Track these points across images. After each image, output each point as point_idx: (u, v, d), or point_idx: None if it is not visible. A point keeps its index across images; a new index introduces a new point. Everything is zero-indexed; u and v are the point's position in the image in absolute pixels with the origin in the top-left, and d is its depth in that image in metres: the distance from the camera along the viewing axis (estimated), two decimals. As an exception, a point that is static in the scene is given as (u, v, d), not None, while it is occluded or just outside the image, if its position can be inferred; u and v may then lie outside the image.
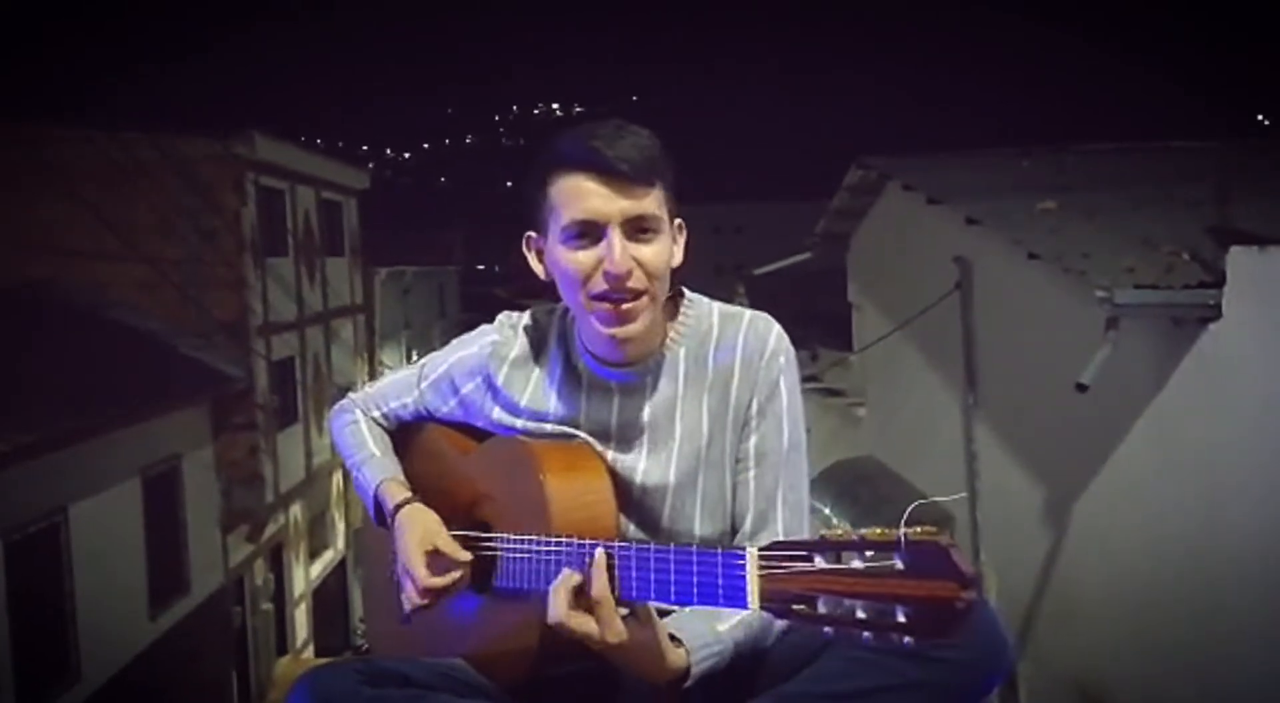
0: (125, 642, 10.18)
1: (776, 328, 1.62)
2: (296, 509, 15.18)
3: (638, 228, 1.48)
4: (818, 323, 12.43)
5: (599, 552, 1.36)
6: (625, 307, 1.48)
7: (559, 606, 1.35)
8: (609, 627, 1.33)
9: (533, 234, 1.57)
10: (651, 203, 1.49)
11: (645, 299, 1.49)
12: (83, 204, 12.29)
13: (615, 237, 1.46)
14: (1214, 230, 5.63)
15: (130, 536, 10.44)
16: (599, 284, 1.47)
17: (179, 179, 12.79)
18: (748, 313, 1.63)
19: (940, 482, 8.59)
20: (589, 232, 1.47)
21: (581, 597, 1.35)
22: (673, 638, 1.40)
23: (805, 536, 1.58)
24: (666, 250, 1.51)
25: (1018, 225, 6.70)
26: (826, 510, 9.25)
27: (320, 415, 15.85)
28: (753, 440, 1.59)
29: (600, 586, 1.34)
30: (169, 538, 11.31)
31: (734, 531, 1.60)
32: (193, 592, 11.76)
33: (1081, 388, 5.21)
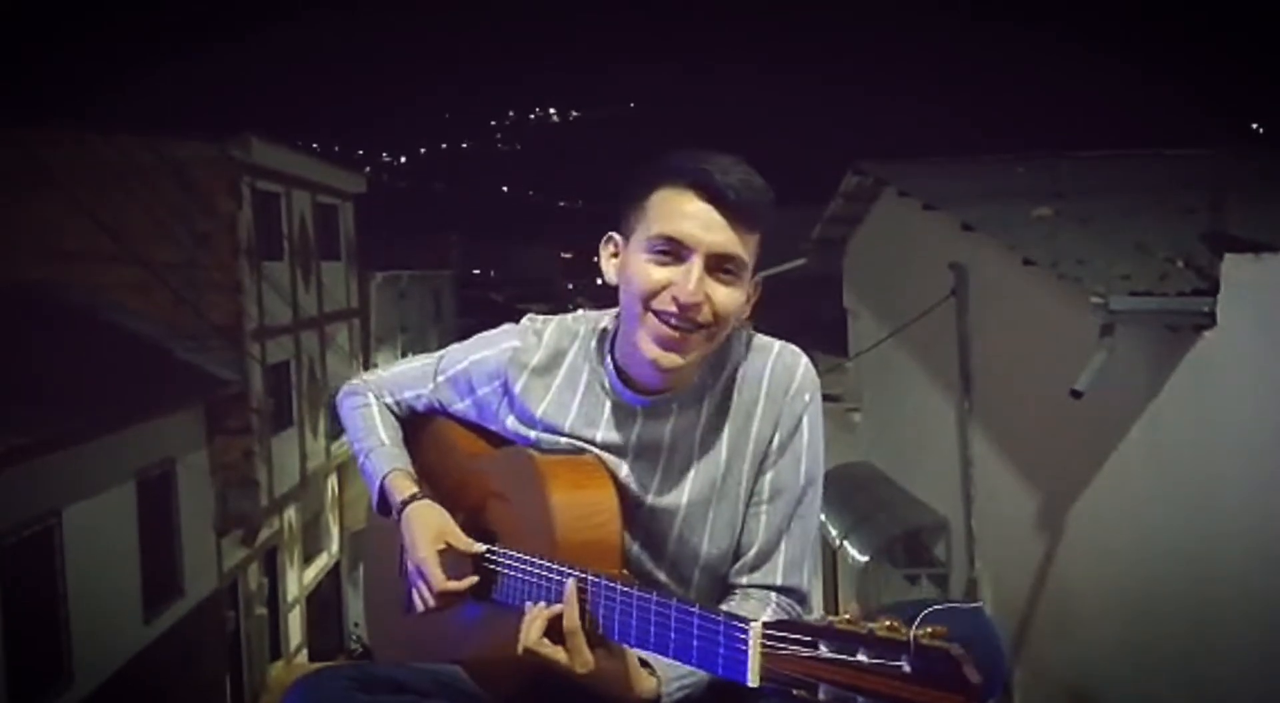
0: (119, 645, 10.15)
1: (804, 361, 1.60)
2: (291, 513, 15.14)
3: (721, 265, 1.44)
4: (813, 329, 12.43)
5: (570, 584, 1.37)
6: (682, 335, 1.44)
7: (531, 633, 1.37)
8: (578, 657, 1.35)
9: (615, 236, 1.54)
10: (745, 247, 1.46)
11: (703, 335, 1.46)
12: (78, 206, 12.27)
13: (696, 265, 1.43)
14: (1209, 237, 5.64)
15: (124, 539, 10.41)
16: (665, 303, 1.44)
17: (174, 182, 12.77)
18: (776, 345, 1.60)
19: (936, 487, 8.60)
20: (674, 250, 1.44)
21: (556, 626, 1.37)
22: (646, 664, 1.40)
23: (808, 569, 1.58)
24: (740, 298, 1.48)
25: (1013, 232, 6.72)
26: (822, 517, 9.23)
27: (315, 420, 15.83)
28: (769, 476, 1.57)
29: (571, 618, 1.35)
30: (163, 542, 11.28)
31: (736, 557, 1.59)
32: (187, 596, 11.72)
33: (1076, 394, 5.22)
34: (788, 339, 1.63)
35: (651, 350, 1.46)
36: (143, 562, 10.69)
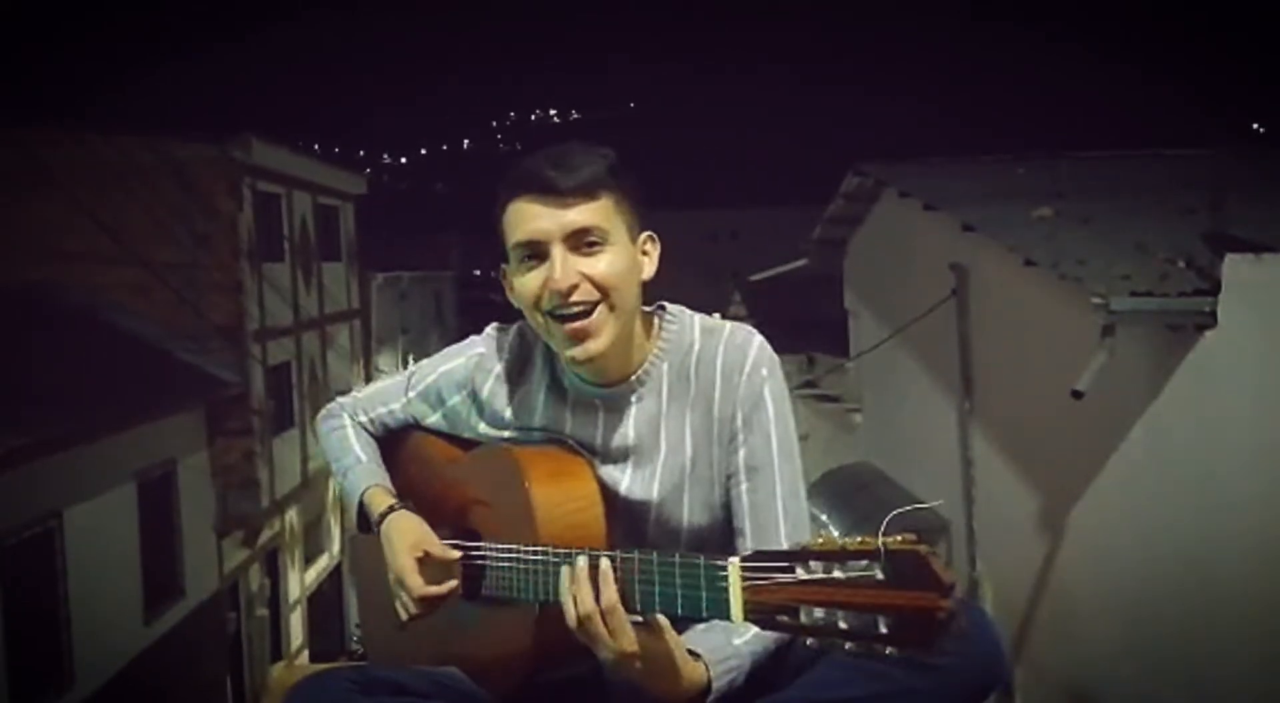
0: (119, 647, 10.15)
1: (758, 339, 1.60)
2: (292, 514, 15.15)
3: (583, 241, 1.47)
4: (814, 329, 12.43)
5: (604, 562, 1.32)
6: (578, 324, 1.47)
7: (584, 600, 1.31)
8: (622, 636, 1.30)
9: (505, 266, 1.57)
10: (594, 215, 1.48)
11: (602, 310, 1.47)
12: (78, 207, 12.29)
13: (557, 252, 1.46)
14: (1209, 238, 5.65)
15: (125, 540, 10.42)
16: (549, 301, 1.47)
17: (175, 183, 12.78)
18: (728, 325, 1.61)
19: (936, 488, 8.59)
20: (536, 251, 1.48)
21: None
22: (689, 653, 1.38)
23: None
24: (621, 262, 1.49)
25: (1014, 232, 6.71)
26: (823, 517, 9.24)
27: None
28: (741, 454, 1.57)
29: (609, 596, 1.30)
30: (164, 543, 11.28)
31: (723, 544, 1.58)
32: (187, 597, 11.73)
33: (1077, 395, 5.21)
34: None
35: (566, 349, 1.50)
36: (143, 563, 10.69)
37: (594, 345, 1.48)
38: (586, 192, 1.48)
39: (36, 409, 8.81)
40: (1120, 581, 5.89)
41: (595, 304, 1.47)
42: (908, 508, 1.15)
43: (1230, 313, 5.03)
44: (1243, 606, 5.00)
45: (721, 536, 1.60)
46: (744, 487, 1.57)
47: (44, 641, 8.93)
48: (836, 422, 11.40)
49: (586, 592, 1.31)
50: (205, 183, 12.90)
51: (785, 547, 1.53)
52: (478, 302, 29.51)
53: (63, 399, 9.33)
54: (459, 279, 29.34)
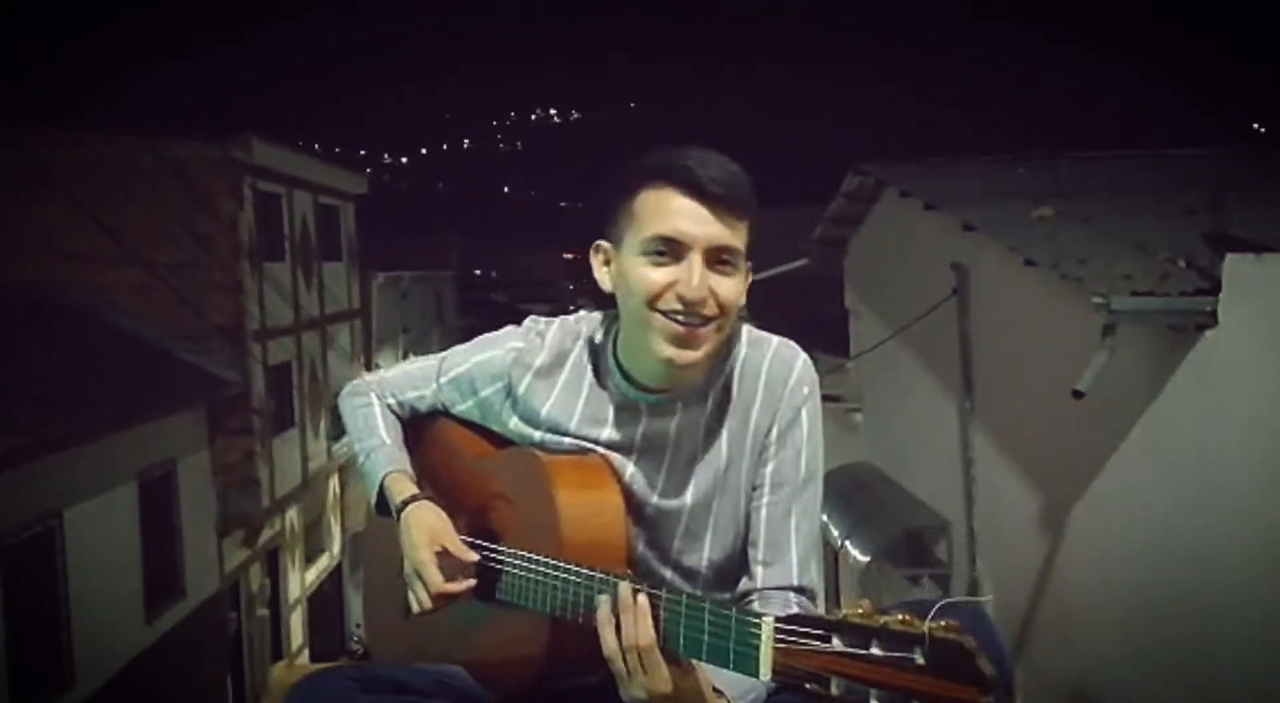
0: (120, 647, 10.15)
1: (803, 357, 1.61)
2: (292, 514, 15.15)
3: (719, 258, 1.45)
4: (814, 329, 12.42)
5: (642, 599, 1.31)
6: (692, 330, 1.45)
7: (613, 644, 1.31)
8: (656, 673, 1.29)
9: (604, 243, 1.54)
10: (736, 236, 1.46)
11: (713, 327, 1.46)
12: (79, 207, 12.29)
13: (697, 261, 1.44)
14: (1210, 237, 5.64)
15: (126, 540, 10.42)
16: (670, 303, 1.44)
17: (175, 183, 12.78)
18: (775, 340, 1.61)
19: (937, 488, 8.60)
20: (670, 249, 1.45)
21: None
22: (715, 690, 1.38)
23: (816, 565, 1.58)
24: (740, 287, 1.48)
25: (1014, 232, 6.71)
26: (823, 517, 9.23)
27: (317, 420, 15.83)
28: (770, 467, 1.57)
29: (646, 632, 1.29)
30: (164, 543, 11.28)
31: (745, 556, 1.59)
32: (188, 596, 11.73)
33: (1078, 395, 5.21)
34: (789, 339, 1.64)
35: (665, 351, 1.46)
36: (144, 563, 10.69)
37: (693, 355, 1.47)
38: (734, 209, 1.46)
39: (36, 409, 8.81)
40: (1121, 581, 5.89)
41: (711, 320, 1.46)
42: (953, 600, 1.14)
43: (1231, 312, 5.02)
44: (1244, 606, 5.00)
45: (742, 550, 1.60)
46: (765, 499, 1.58)
47: (44, 641, 8.92)
48: (837, 421, 11.40)
49: (627, 624, 1.30)
50: (205, 183, 12.90)
51: (795, 565, 1.55)
52: (478, 301, 29.55)
53: (63, 399, 9.33)
54: (459, 279, 29.33)
